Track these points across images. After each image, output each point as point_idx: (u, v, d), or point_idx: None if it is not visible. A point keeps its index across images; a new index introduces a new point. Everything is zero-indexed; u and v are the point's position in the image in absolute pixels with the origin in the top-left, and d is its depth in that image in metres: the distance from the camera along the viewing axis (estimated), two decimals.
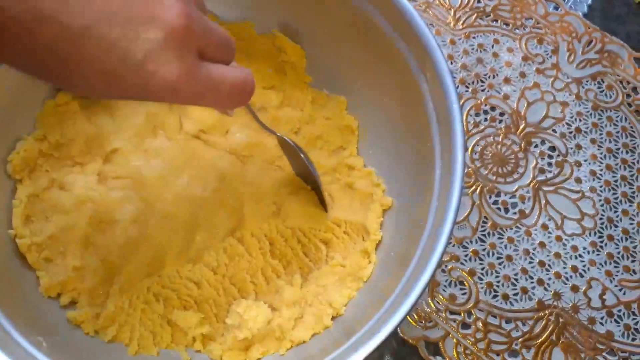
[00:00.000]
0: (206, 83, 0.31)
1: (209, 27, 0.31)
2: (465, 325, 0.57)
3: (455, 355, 0.55)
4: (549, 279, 0.59)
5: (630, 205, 0.63)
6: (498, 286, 0.58)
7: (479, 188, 0.62)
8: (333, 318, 0.47)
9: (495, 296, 0.58)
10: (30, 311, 0.45)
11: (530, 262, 0.60)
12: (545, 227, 0.61)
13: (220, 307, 0.49)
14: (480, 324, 0.56)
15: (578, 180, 0.64)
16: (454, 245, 0.59)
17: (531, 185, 0.63)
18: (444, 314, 0.56)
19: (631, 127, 0.66)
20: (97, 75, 0.27)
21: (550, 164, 0.64)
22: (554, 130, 0.65)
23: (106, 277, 0.48)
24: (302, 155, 0.49)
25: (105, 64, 0.27)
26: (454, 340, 0.56)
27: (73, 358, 0.43)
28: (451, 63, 0.68)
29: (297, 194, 0.53)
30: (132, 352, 0.48)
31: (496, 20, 0.69)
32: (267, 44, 0.60)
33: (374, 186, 0.53)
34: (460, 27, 0.69)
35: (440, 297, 0.58)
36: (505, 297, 0.58)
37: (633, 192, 0.63)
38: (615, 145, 0.66)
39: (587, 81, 0.68)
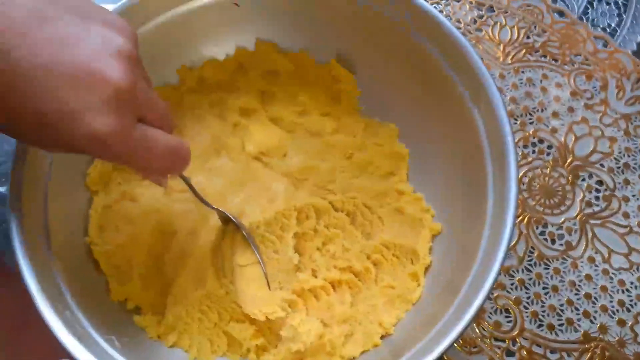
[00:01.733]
0: (139, 141, 0.32)
1: (152, 97, 0.33)
2: (510, 353, 0.58)
3: None
4: (595, 311, 0.60)
5: None
6: (543, 316, 0.60)
7: (526, 218, 0.65)
8: (382, 337, 0.48)
9: (540, 325, 0.59)
10: (104, 312, 0.48)
11: (576, 294, 0.61)
12: (591, 259, 0.62)
13: (272, 322, 0.50)
14: (525, 353, 0.57)
15: (626, 215, 0.65)
16: (500, 274, 0.61)
17: (578, 217, 0.64)
18: (489, 341, 0.58)
19: None
20: (29, 117, 0.28)
21: (597, 198, 0.66)
22: (601, 165, 0.67)
23: (163, 288, 0.50)
24: (243, 232, 0.51)
25: (41, 107, 0.28)
26: None
27: (141, 358, 0.46)
28: None
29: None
30: (191, 358, 0.49)
31: (545, 56, 0.72)
32: (324, 73, 0.63)
33: (423, 212, 0.54)
34: (510, 61, 0.72)
35: (486, 323, 0.60)
36: (551, 327, 0.59)
37: None
38: None
39: (636, 117, 0.70)
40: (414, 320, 0.49)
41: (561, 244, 0.63)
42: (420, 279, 0.51)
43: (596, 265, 0.62)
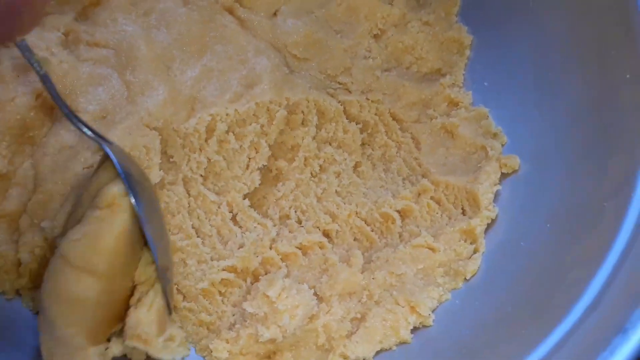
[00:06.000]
0: None
1: None
2: None
3: None
4: None
5: None
6: None
7: None
8: (414, 330, 0.38)
9: None
10: None
11: None
12: None
13: (227, 282, 0.39)
14: None
15: None
16: None
17: None
18: None
19: None
20: None
21: None
22: None
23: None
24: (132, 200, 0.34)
25: None
26: None
27: None
28: None
29: None
30: None
31: None
32: None
33: (488, 135, 0.44)
34: None
35: None
36: None
37: None
38: None
39: None
40: (468, 308, 0.38)
41: None
42: (479, 240, 0.41)
43: None
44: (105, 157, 0.34)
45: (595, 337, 0.29)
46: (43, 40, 0.40)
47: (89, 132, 0.34)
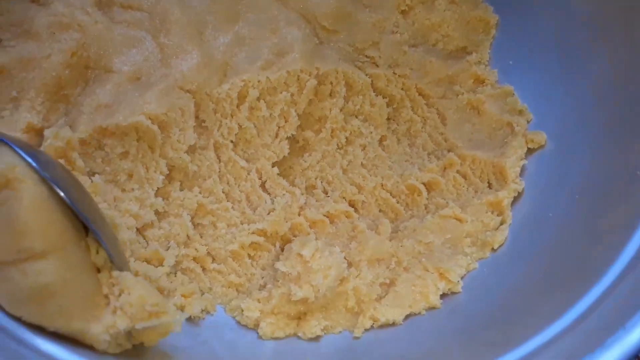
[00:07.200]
0: None
1: None
2: None
3: None
4: None
5: None
6: None
7: None
8: (442, 296, 0.38)
9: None
10: None
11: None
12: None
13: (257, 245, 0.39)
14: None
15: None
16: None
17: None
18: None
19: None
20: None
21: None
22: None
23: None
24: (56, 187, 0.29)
25: None
26: None
27: None
28: None
29: None
30: None
31: None
32: None
33: (514, 112, 0.44)
34: None
35: None
36: None
37: None
38: None
39: None
40: (495, 277, 0.38)
41: None
42: (506, 212, 0.40)
43: None
44: None
45: (631, 299, 0.28)
46: (78, 0, 0.38)
47: None
